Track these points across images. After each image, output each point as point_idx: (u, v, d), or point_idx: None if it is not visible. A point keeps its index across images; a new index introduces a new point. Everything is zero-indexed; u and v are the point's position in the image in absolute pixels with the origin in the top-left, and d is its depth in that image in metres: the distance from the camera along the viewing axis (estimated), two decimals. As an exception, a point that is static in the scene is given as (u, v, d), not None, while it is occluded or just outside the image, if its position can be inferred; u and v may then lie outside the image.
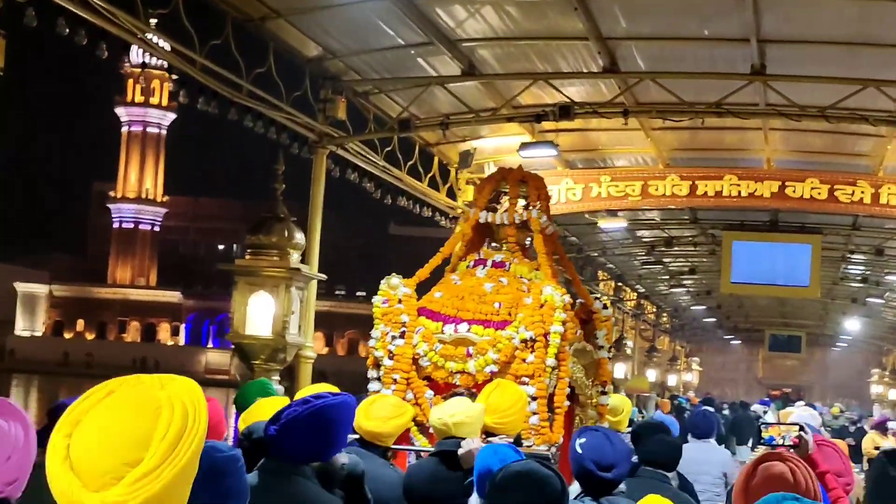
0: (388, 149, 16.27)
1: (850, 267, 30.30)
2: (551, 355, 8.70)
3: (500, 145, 17.78)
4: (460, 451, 5.95)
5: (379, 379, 9.04)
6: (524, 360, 8.71)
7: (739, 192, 18.36)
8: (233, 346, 11.96)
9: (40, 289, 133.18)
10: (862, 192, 17.93)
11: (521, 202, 9.87)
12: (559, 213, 19.96)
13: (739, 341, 63.61)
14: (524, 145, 14.80)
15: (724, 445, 17.08)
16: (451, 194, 19.13)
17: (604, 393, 9.81)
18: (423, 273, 9.87)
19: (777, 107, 14.02)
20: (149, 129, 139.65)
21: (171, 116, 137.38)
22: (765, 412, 27.81)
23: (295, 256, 11.71)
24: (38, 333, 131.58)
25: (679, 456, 7.30)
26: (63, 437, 2.28)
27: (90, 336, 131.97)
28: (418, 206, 18.01)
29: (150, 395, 2.32)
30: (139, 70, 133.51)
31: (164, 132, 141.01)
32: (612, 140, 18.58)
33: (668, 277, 33.72)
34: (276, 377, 11.70)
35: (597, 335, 9.89)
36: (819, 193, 18.10)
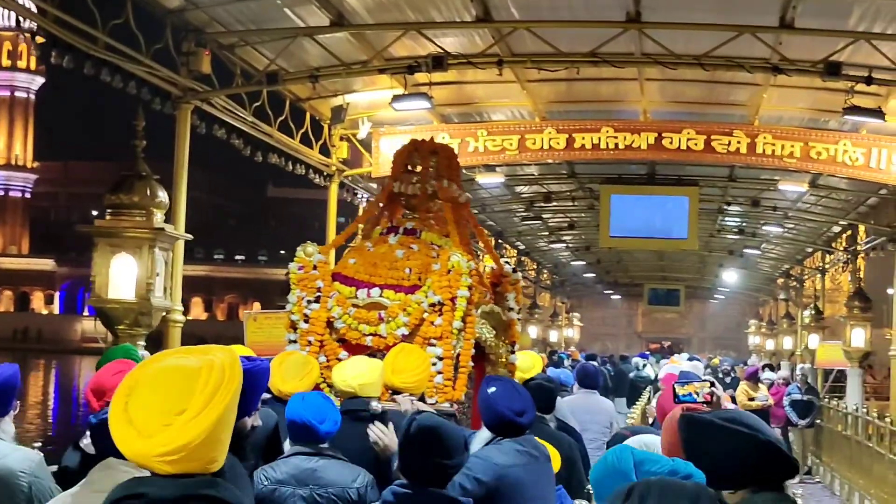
0: (257, 104, 15.69)
1: (726, 219, 30.49)
2: (458, 318, 9.12)
3: (374, 99, 17.34)
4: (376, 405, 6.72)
5: (295, 341, 9.38)
6: (433, 323, 9.13)
7: (616, 145, 18.16)
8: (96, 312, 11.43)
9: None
10: (738, 143, 17.85)
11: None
12: (435, 169, 19.66)
13: (619, 296, 64.11)
14: (396, 98, 14.35)
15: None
16: (325, 151, 18.64)
17: (513, 352, 10.21)
18: (338, 241, 10.84)
19: (653, 56, 13.78)
20: (17, 94, 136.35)
21: (40, 80, 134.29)
22: (644, 365, 28.01)
23: (158, 216, 11.15)
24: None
25: (554, 400, 8.40)
26: (122, 397, 2.84)
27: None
28: (291, 163, 17.46)
29: (192, 360, 2.88)
30: (7, 33, 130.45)
31: (32, 97, 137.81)
32: (488, 93, 18.25)
33: (547, 234, 33.55)
34: (142, 342, 11.21)
35: (507, 297, 10.32)
36: (696, 144, 17.98)
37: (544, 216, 30.13)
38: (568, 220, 31.17)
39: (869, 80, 13.26)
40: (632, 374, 26.78)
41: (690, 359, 22.73)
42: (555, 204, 27.72)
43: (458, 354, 9.21)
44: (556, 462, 6.68)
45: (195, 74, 13.58)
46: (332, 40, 14.45)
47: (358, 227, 10.60)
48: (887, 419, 19.17)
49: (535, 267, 40.64)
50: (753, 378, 22.31)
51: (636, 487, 2.83)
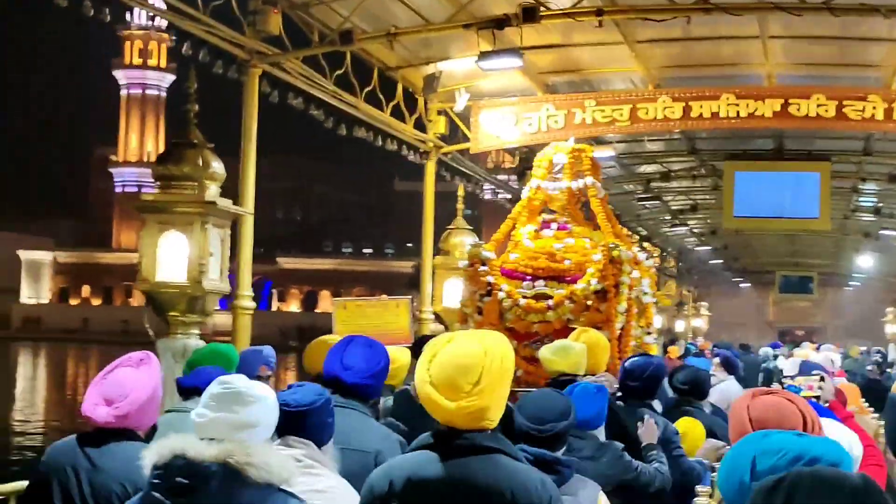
0: (339, 72, 14.43)
1: (861, 198, 28.54)
2: (622, 303, 10.38)
3: (470, 69, 15.89)
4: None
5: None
6: (597, 310, 10.30)
7: (738, 113, 16.44)
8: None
9: (44, 256, 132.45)
10: (874, 108, 16.01)
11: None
12: (541, 143, 18.28)
13: (749, 284, 61.94)
14: (483, 54, 12.90)
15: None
16: (421, 126, 17.34)
17: (648, 333, 11.26)
18: (498, 237, 11.86)
19: (774, 2, 12.15)
20: (148, 92, 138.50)
21: (171, 77, 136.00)
22: (775, 356, 26.38)
23: (213, 189, 9.98)
24: (44, 301, 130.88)
25: (708, 387, 8.81)
26: (426, 364, 3.99)
27: (96, 302, 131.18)
28: (381, 138, 16.19)
29: (477, 342, 4.02)
30: (138, 32, 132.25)
31: (163, 94, 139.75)
32: (595, 58, 16.80)
33: (669, 217, 31.90)
34: (196, 331, 10.04)
35: (642, 283, 11.10)
36: (826, 111, 16.18)
37: (665, 198, 28.50)
38: (691, 201, 29.60)
39: None
40: (764, 364, 25.16)
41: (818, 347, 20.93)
42: (675, 184, 26.17)
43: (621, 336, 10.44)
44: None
45: (263, 36, 12.36)
46: (416, -2, 13.18)
47: (513, 222, 11.67)
48: None
49: (658, 253, 38.92)
50: None
51: (784, 481, 2.57)
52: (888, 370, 28.66)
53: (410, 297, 15.37)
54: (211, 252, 9.95)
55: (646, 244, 35.04)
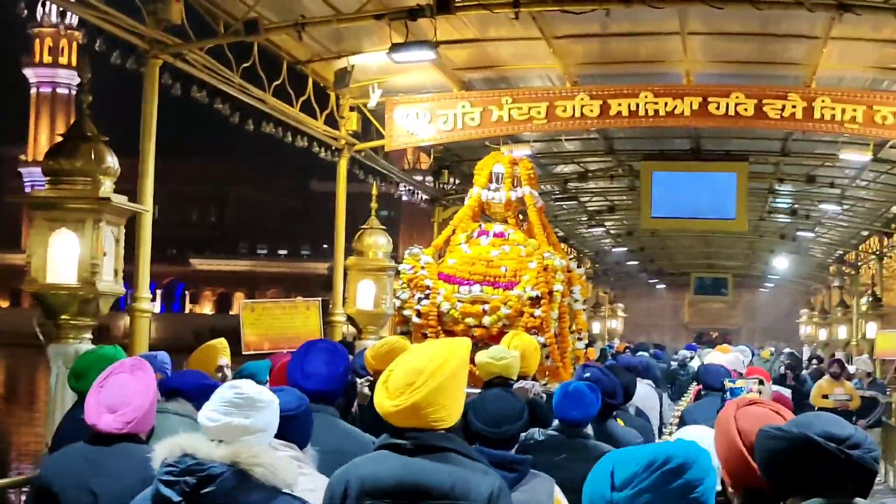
0: (246, 65, 13.82)
1: (778, 199, 28.54)
2: (555, 309, 10.79)
3: (384, 63, 15.34)
4: (516, 387, 7.54)
5: (408, 333, 10.95)
6: (532, 315, 10.70)
7: (657, 111, 16.13)
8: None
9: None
10: (793, 107, 15.78)
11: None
12: (456, 141, 17.85)
13: (665, 286, 61.98)
14: (395, 46, 12.38)
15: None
16: (333, 123, 16.79)
17: (580, 339, 11.79)
18: (437, 243, 12.20)
19: (695, -7, 11.78)
20: (58, 90, 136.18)
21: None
22: (691, 358, 26.14)
23: (107, 185, 9.35)
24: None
25: (634, 388, 8.78)
26: (388, 371, 4.26)
27: (3, 304, 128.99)
28: (290, 134, 15.60)
29: (430, 348, 4.35)
30: (48, 29, 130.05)
31: (73, 92, 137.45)
32: (513, 54, 16.40)
33: (586, 218, 31.63)
34: (88, 335, 9.44)
35: (572, 290, 11.47)
36: (745, 109, 15.91)
37: (582, 198, 28.22)
38: (608, 202, 29.37)
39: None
40: (673, 366, 24.86)
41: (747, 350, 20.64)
42: (592, 185, 25.92)
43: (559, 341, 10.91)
44: None
45: (164, 25, 11.74)
46: (324, -14, 12.64)
47: (453, 229, 12.02)
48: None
49: (575, 254, 38.67)
50: (836, 372, 19.75)
51: None
52: (802, 372, 28.56)
53: (320, 299, 14.87)
54: (104, 251, 9.33)
55: (563, 245, 34.84)
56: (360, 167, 18.12)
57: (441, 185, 22.56)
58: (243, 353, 12.95)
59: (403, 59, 13.02)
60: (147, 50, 11.59)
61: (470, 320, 10.92)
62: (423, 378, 4.15)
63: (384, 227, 17.02)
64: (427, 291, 11.12)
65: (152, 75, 11.65)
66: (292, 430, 4.75)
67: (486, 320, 10.85)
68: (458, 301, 10.99)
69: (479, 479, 4.20)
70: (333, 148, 16.89)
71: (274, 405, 4.13)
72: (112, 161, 9.42)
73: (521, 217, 12.24)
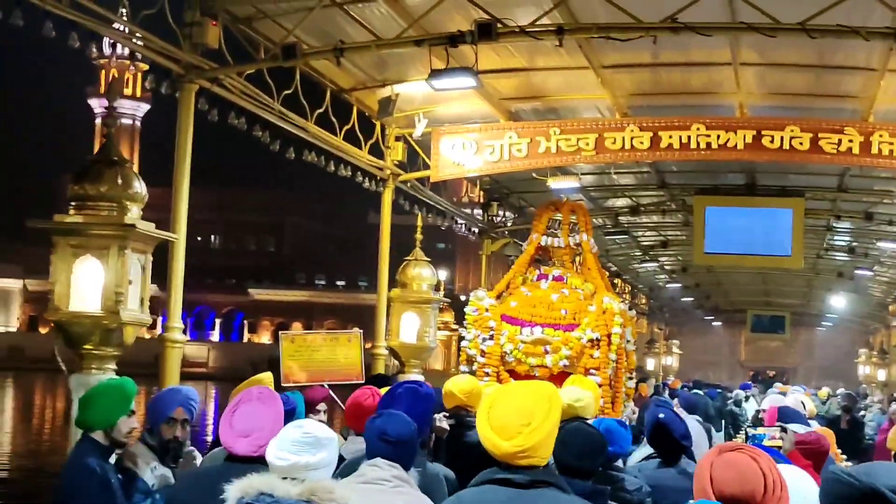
0: (288, 92, 13.62)
1: (835, 237, 27.92)
2: (613, 351, 11.44)
3: (430, 93, 15.06)
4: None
5: (473, 372, 11.38)
6: (591, 356, 11.38)
7: (709, 144, 15.69)
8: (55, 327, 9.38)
9: (13, 283, 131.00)
10: (850, 141, 15.29)
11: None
12: (503, 172, 17.54)
13: (720, 322, 61.30)
14: (435, 72, 12.08)
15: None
16: (378, 152, 16.54)
17: (630, 378, 12.34)
18: (500, 286, 12.61)
19: (747, 22, 11.38)
20: (123, 121, 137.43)
21: (146, 107, 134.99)
22: (746, 398, 25.67)
23: (134, 211, 9.08)
24: (13, 329, 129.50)
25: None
26: (487, 410, 4.53)
27: (43, 330, 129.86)
28: (333, 163, 15.37)
29: (535, 391, 4.60)
30: (112, 60, 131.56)
31: (138, 123, 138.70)
32: (560, 85, 16.06)
33: (640, 252, 31.20)
34: (112, 366, 9.16)
35: (624, 331, 11.81)
36: (801, 143, 15.45)
37: (635, 233, 27.80)
38: (661, 237, 28.92)
39: None
40: (729, 406, 24.40)
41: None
42: (645, 219, 25.48)
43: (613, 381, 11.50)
44: None
45: (201, 49, 11.53)
46: (365, 12, 12.37)
47: (514, 274, 12.56)
48: None
49: (629, 290, 38.20)
50: None
51: None
52: (860, 413, 27.88)
53: (361, 331, 14.59)
54: (130, 280, 9.07)
55: (617, 280, 34.40)
56: (405, 198, 17.82)
57: (490, 217, 22.23)
58: (283, 384, 12.66)
59: (443, 86, 12.70)
60: (182, 74, 11.39)
61: (532, 360, 11.56)
62: (538, 420, 4.44)
63: (429, 260, 16.75)
64: (491, 332, 11.78)
65: (188, 100, 11.45)
66: (400, 453, 5.29)
67: (548, 360, 11.49)
68: (521, 342, 11.63)
69: None
70: (378, 178, 16.61)
71: (335, 442, 4.62)
72: (139, 187, 9.16)
73: (577, 261, 12.80)
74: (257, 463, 5.06)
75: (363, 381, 10.79)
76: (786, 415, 9.74)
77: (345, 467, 5.75)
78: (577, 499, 4.59)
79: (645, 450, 8.30)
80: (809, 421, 11.53)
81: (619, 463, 6.97)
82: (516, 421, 4.43)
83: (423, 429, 6.38)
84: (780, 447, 5.86)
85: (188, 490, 5.55)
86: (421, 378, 16.10)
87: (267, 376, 8.60)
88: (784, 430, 6.11)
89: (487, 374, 11.55)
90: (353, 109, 15.53)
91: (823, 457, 6.69)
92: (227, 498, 4.11)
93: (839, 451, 13.25)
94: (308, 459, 4.44)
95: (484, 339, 11.82)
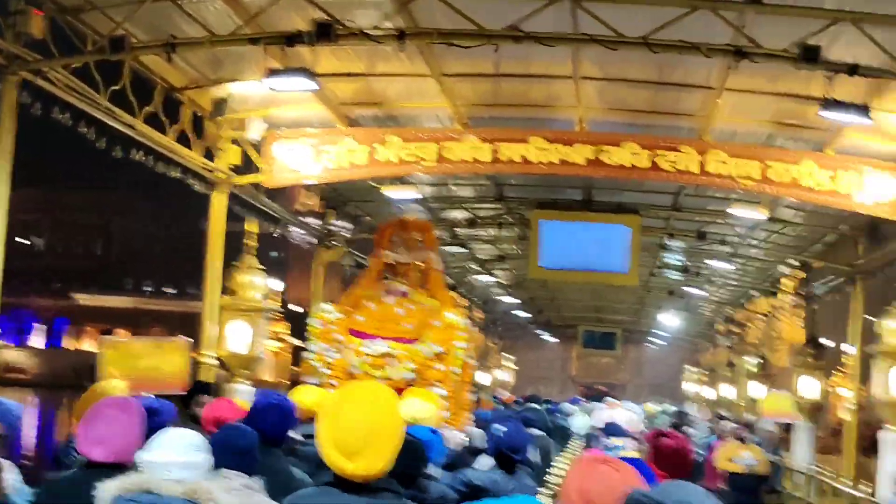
0: (116, 88, 13.01)
1: (668, 254, 28.22)
2: (456, 364, 11.95)
3: (266, 95, 14.63)
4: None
5: (319, 384, 11.32)
6: (435, 368, 11.80)
7: (549, 159, 15.64)
8: None
9: None
10: (687, 160, 15.40)
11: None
12: (340, 181, 17.19)
13: (554, 338, 61.77)
14: (272, 72, 11.68)
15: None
16: (211, 155, 15.97)
17: (472, 392, 13.09)
18: (345, 300, 12.97)
19: (589, 34, 11.24)
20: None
21: None
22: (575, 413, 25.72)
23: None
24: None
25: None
26: (330, 426, 4.44)
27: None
28: (163, 164, 14.75)
29: (371, 397, 4.55)
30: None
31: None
32: (401, 92, 15.78)
33: (476, 266, 31.08)
34: None
35: (468, 346, 12.56)
36: (639, 160, 15.48)
37: (471, 245, 27.65)
38: (498, 251, 28.82)
39: (853, 71, 10.83)
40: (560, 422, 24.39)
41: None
42: (482, 232, 25.35)
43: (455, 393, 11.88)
44: None
45: (25, 39, 10.92)
46: (199, 7, 11.88)
47: (358, 288, 12.98)
48: (844, 479, 16.86)
49: (466, 303, 38.10)
50: (744, 436, 19.07)
51: None
52: (689, 429, 28.18)
53: (188, 339, 14.11)
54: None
55: (453, 293, 34.23)
56: (239, 203, 17.28)
57: (326, 226, 21.79)
58: (102, 392, 12.08)
59: (279, 87, 12.29)
60: (4, 65, 10.78)
61: (377, 373, 11.83)
62: (382, 441, 4.44)
63: (262, 267, 16.29)
64: (338, 345, 12.16)
65: (10, 93, 10.85)
66: (246, 462, 5.46)
67: (393, 373, 11.85)
68: (367, 355, 12.05)
69: None
70: (210, 181, 16.04)
71: (207, 446, 4.76)
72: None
73: (421, 277, 13.14)
74: (115, 469, 5.10)
75: (188, 391, 10.30)
76: (612, 430, 9.77)
77: None
78: (409, 503, 4.75)
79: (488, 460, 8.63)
80: (636, 436, 11.53)
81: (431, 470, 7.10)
82: (361, 442, 4.42)
83: (287, 438, 6.74)
84: (638, 456, 6.07)
85: (53, 498, 5.55)
86: (250, 388, 15.65)
87: (119, 383, 8.38)
88: (639, 440, 6.14)
89: (333, 387, 11.45)
90: (185, 109, 14.95)
91: (685, 462, 6.71)
92: (101, 497, 4.34)
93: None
94: (190, 459, 4.55)
95: (330, 352, 12.17)
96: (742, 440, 18.57)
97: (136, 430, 5.40)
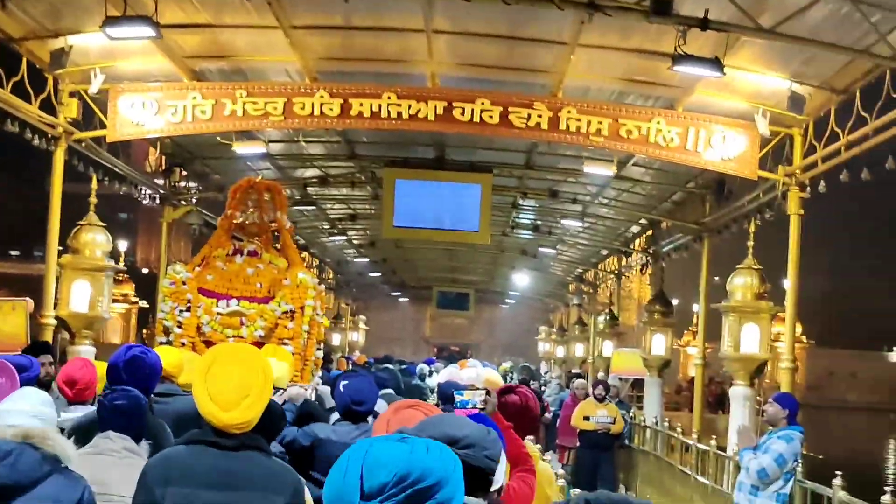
0: (-55, 36, 12.39)
1: (521, 214, 28.29)
2: (306, 322, 12.06)
3: (107, 46, 14.06)
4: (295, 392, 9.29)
5: (170, 343, 11.51)
6: (286, 327, 11.94)
7: (400, 114, 15.40)
8: None
9: None
10: (539, 116, 15.32)
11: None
12: (185, 134, 16.74)
13: (408, 299, 61.78)
14: (110, 20, 11.19)
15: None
16: (51, 109, 15.35)
17: (319, 349, 12.96)
18: (196, 261, 12.79)
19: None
20: None
21: None
22: (430, 373, 25.70)
23: None
24: None
25: None
26: (203, 381, 4.77)
27: None
28: (-1, 118, 14.10)
29: (251, 363, 4.86)
30: None
31: None
32: (249, 45, 15.38)
33: (328, 226, 30.69)
34: None
35: (316, 305, 12.58)
36: (491, 116, 15.36)
37: (323, 205, 27.30)
38: (350, 210, 28.52)
39: (704, 25, 10.81)
40: (415, 381, 24.34)
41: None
42: (334, 191, 25.08)
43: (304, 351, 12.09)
44: None
45: None
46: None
47: (210, 248, 12.75)
48: (694, 435, 17.06)
49: (316, 263, 37.72)
50: (600, 394, 19.07)
51: None
52: (539, 388, 28.40)
53: (28, 299, 13.56)
54: None
55: (304, 254, 33.87)
56: (80, 160, 16.67)
57: (173, 184, 21.22)
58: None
59: (119, 35, 11.82)
60: None
61: (228, 331, 11.86)
62: (256, 393, 4.77)
63: (104, 225, 15.77)
64: (188, 305, 12.05)
65: None
66: (128, 424, 5.68)
67: (244, 332, 11.85)
68: (218, 314, 11.97)
69: (285, 472, 4.95)
70: (50, 136, 15.43)
71: (51, 402, 5.11)
72: None
73: (272, 237, 13.12)
74: None
75: (27, 351, 9.89)
76: (457, 386, 9.72)
77: (69, 434, 5.78)
78: (276, 461, 5.03)
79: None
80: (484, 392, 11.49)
81: None
82: (236, 394, 4.72)
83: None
84: (483, 409, 6.14)
85: None
86: (92, 350, 15.18)
87: None
88: (489, 393, 6.44)
89: (184, 345, 11.56)
90: (23, 60, 14.31)
91: (529, 416, 7.05)
92: None
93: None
94: (28, 408, 4.85)
95: (181, 311, 12.06)
96: (601, 399, 18.71)
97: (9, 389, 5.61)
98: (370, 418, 7.97)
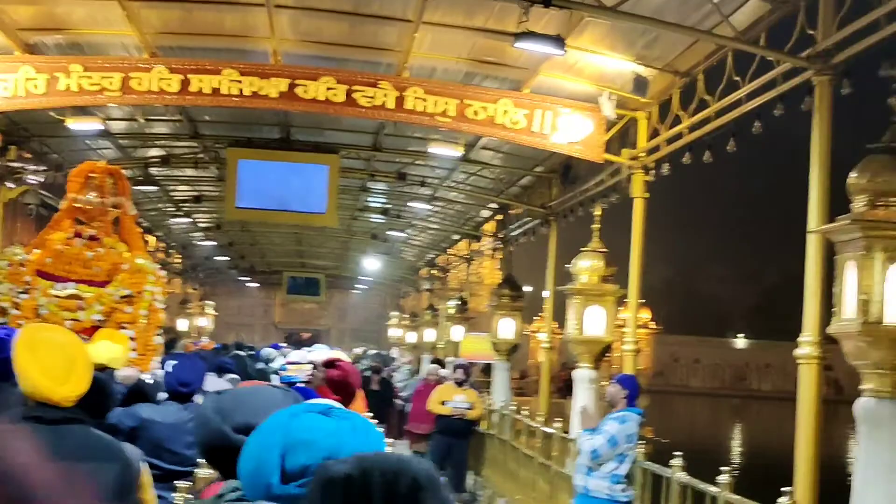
0: None
1: (370, 197, 28.08)
2: (144, 307, 12.02)
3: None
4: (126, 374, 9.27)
5: (5, 324, 10.55)
6: (124, 311, 11.90)
7: (241, 91, 15.03)
8: None
9: None
10: (385, 96, 15.09)
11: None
12: (17, 109, 16.12)
13: (256, 284, 61.10)
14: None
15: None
16: None
17: (158, 334, 12.57)
18: (36, 243, 12.52)
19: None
20: None
21: None
22: (275, 357, 25.43)
23: None
24: None
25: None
26: (29, 357, 4.70)
27: None
28: None
29: (70, 339, 4.91)
30: None
31: None
32: (86, 18, 14.81)
33: (172, 207, 30.02)
34: None
35: (155, 290, 12.43)
36: (335, 95, 15.09)
37: (167, 186, 26.66)
38: (195, 192, 27.93)
39: (547, 2, 10.67)
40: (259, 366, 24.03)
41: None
42: (178, 172, 24.52)
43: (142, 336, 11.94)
44: None
45: None
46: None
47: (52, 231, 12.47)
48: (539, 419, 17.05)
49: (162, 247, 36.96)
50: (459, 378, 18.96)
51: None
52: (391, 375, 28.31)
53: None
54: None
55: (148, 238, 33.11)
56: None
57: (7, 163, 20.46)
58: None
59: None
60: None
61: (66, 314, 11.71)
62: (81, 367, 4.82)
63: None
64: (26, 287, 11.92)
65: None
66: None
67: (81, 315, 11.76)
68: (55, 296, 11.88)
69: (112, 443, 4.94)
70: None
71: None
72: None
73: (114, 222, 12.89)
74: None
75: None
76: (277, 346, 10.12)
77: None
78: (102, 434, 4.98)
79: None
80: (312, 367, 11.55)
81: None
82: (65, 367, 4.74)
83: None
84: (308, 383, 6.48)
85: None
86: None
87: None
88: (315, 367, 6.75)
89: (20, 327, 10.99)
90: None
91: (352, 391, 7.42)
92: None
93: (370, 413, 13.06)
94: None
95: (19, 293, 11.95)
96: (460, 384, 18.64)
97: None
98: (198, 397, 7.99)
